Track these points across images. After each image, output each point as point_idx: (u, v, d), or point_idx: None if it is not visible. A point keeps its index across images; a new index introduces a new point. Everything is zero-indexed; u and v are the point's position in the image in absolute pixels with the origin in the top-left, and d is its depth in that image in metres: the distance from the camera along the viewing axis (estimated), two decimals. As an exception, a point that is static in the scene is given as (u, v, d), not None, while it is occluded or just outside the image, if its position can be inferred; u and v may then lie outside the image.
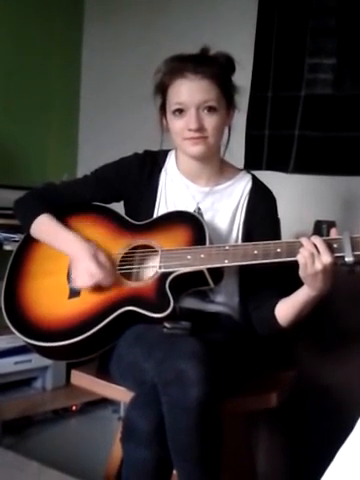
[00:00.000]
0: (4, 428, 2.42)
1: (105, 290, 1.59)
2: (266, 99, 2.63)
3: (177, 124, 1.62)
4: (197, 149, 1.63)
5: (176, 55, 1.66)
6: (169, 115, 1.65)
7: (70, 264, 1.67)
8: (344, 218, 2.38)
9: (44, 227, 1.71)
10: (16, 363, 2.61)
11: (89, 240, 1.66)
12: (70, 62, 3.33)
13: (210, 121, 1.60)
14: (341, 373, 1.91)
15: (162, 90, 1.66)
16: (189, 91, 1.59)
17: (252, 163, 2.61)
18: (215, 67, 1.61)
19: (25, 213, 1.75)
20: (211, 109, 1.60)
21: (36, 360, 2.62)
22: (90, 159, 2.61)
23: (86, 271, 1.58)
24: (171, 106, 1.63)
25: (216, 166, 1.73)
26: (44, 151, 3.23)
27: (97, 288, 1.59)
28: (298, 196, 2.57)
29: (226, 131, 1.71)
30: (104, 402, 2.75)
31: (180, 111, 1.61)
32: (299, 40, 2.56)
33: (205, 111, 1.60)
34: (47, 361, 2.62)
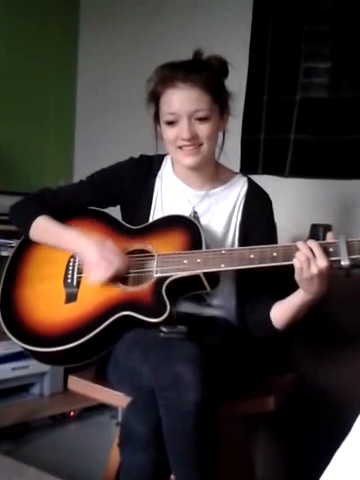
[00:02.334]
0: (2, 434, 2.42)
1: (102, 295, 1.59)
2: (261, 103, 2.63)
3: (170, 133, 1.62)
4: (191, 160, 1.63)
5: (167, 63, 1.65)
6: (162, 124, 1.65)
7: (68, 266, 1.67)
8: (340, 221, 2.39)
9: (45, 229, 1.71)
10: (13, 369, 2.60)
11: (92, 234, 1.66)
12: (66, 68, 3.33)
13: (203, 129, 1.60)
14: (338, 376, 1.91)
15: (154, 99, 1.65)
16: (180, 101, 1.59)
17: (248, 167, 2.61)
18: (206, 73, 1.60)
19: (22, 217, 1.75)
20: (203, 119, 1.59)
21: (33, 366, 2.62)
22: (86, 164, 2.61)
23: (100, 265, 1.58)
24: (163, 116, 1.63)
25: (212, 170, 1.73)
26: (40, 156, 3.23)
27: (94, 292, 1.60)
28: (294, 200, 2.57)
29: (220, 135, 1.71)
30: (102, 408, 2.74)
31: (172, 121, 1.61)
32: (294, 44, 2.57)
33: (197, 120, 1.59)
34: (44, 367, 2.63)
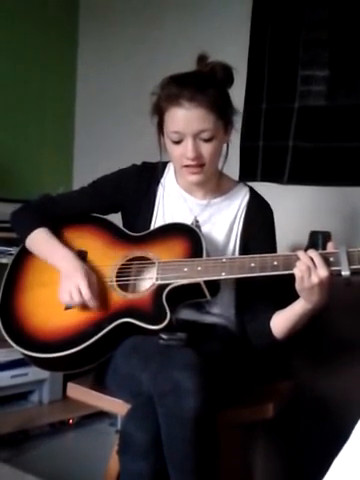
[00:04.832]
0: (0, 442, 2.41)
1: (102, 301, 1.58)
2: (260, 111, 2.64)
3: (175, 151, 1.62)
4: (195, 178, 1.63)
5: (173, 77, 1.62)
6: (167, 139, 1.64)
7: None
8: (339, 228, 2.39)
9: (39, 241, 1.71)
10: (12, 377, 2.60)
11: (84, 261, 1.67)
12: (65, 76, 3.35)
13: (207, 149, 1.59)
14: (338, 384, 1.91)
15: (158, 112, 1.64)
16: (185, 120, 1.57)
17: (247, 174, 2.62)
18: (212, 91, 1.57)
19: (21, 226, 1.76)
20: (207, 139, 1.59)
21: (33, 373, 2.62)
22: (86, 172, 2.62)
23: (76, 288, 1.58)
24: (168, 134, 1.61)
25: (214, 180, 1.73)
26: (40, 164, 3.24)
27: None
28: (293, 207, 2.58)
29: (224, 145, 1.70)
30: (101, 415, 2.74)
31: (177, 140, 1.60)
32: (292, 52, 2.58)
33: (202, 140, 1.59)
34: (44, 374, 2.63)
